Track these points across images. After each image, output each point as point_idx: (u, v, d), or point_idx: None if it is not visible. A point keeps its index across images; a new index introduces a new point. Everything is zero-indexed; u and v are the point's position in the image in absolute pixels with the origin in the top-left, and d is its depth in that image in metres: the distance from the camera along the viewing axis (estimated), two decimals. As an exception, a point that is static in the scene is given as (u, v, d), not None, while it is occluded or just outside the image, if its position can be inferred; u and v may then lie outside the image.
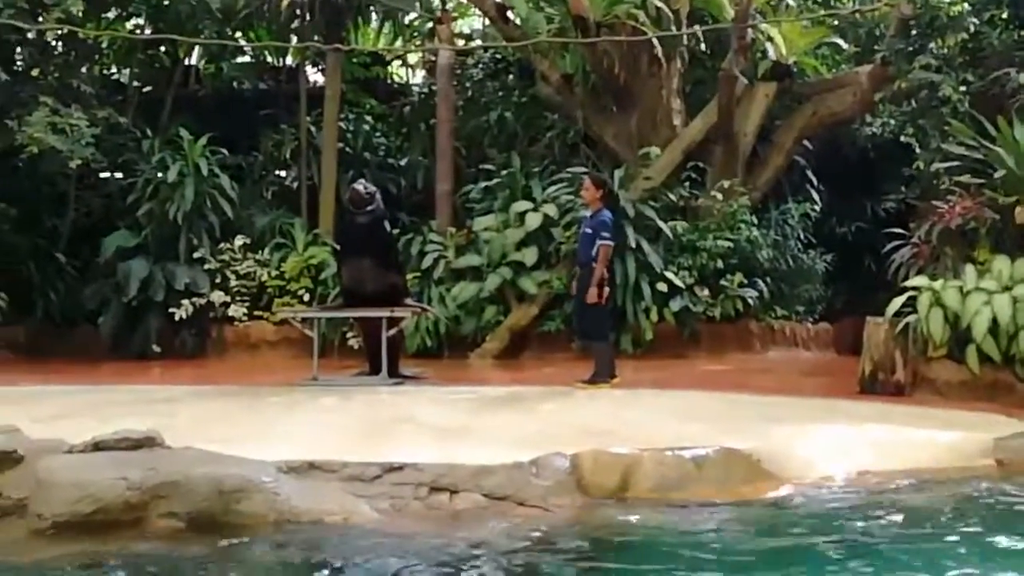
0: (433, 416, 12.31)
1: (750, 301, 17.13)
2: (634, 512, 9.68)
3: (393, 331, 15.26)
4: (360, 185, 15.46)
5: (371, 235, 15.18)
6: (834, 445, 11.09)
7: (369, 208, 15.14)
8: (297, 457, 10.19)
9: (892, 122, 17.98)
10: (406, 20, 21.66)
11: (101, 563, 8.65)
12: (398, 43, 21.96)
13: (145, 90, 19.22)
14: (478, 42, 20.97)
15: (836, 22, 19.69)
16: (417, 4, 21.07)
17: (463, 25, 21.33)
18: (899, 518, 9.58)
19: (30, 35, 17.20)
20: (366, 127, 20.85)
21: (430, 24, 20.88)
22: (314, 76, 20.72)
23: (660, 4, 17.83)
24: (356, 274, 15.34)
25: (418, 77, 22.29)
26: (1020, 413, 12.47)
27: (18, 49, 17.54)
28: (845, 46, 19.63)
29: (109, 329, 17.95)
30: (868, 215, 18.88)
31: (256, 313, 18.43)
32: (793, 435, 11.16)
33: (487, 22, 20.18)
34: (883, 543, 8.91)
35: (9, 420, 10.46)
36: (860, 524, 9.47)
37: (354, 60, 20.76)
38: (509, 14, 18.82)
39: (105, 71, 18.71)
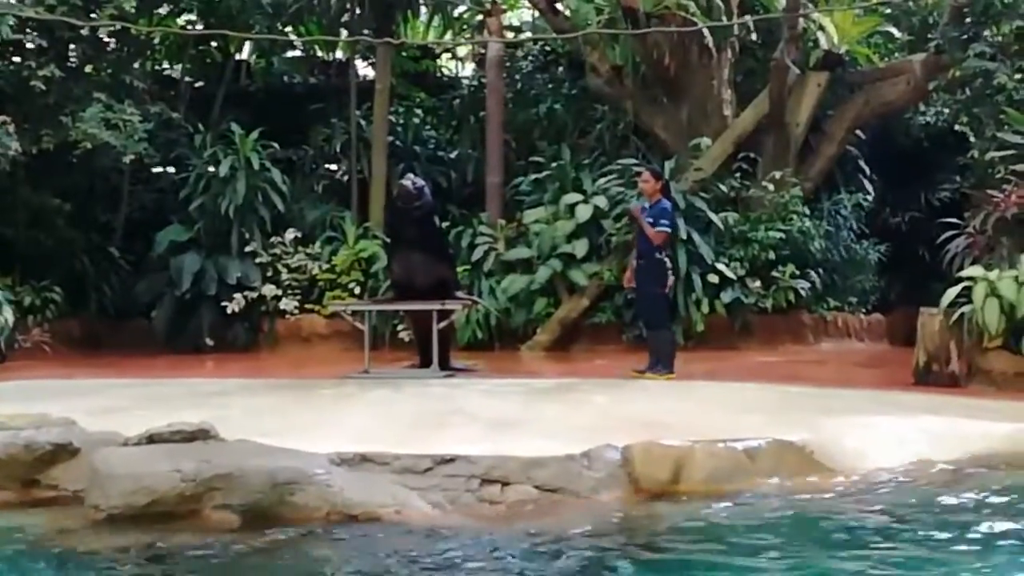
0: (484, 408, 12.32)
1: (802, 292, 17.06)
2: (686, 504, 9.67)
3: (444, 324, 15.29)
4: (408, 180, 15.48)
5: (421, 228, 15.21)
6: (888, 437, 11.02)
7: (418, 203, 15.18)
8: (349, 449, 10.23)
9: (946, 111, 17.86)
10: (455, 13, 21.67)
11: (156, 555, 8.72)
12: (447, 36, 21.98)
13: (197, 85, 19.33)
14: (528, 34, 20.96)
15: (888, 10, 19.53)
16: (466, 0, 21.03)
17: (512, 17, 21.32)
18: (952, 510, 9.53)
19: (83, 32, 17.29)
20: (416, 120, 20.90)
21: (479, 17, 20.88)
22: (364, 70, 20.78)
23: (710, -7, 17.80)
24: (406, 267, 15.37)
25: (468, 70, 22.30)
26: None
27: (72, 46, 17.65)
28: (898, 34, 19.50)
29: (162, 323, 18.07)
30: (922, 205, 18.75)
31: (307, 306, 18.51)
32: (846, 427, 11.09)
33: (536, 14, 20.18)
34: (936, 534, 8.87)
35: (65, 413, 10.55)
36: (913, 516, 9.42)
37: (404, 54, 20.80)
38: (559, 6, 18.82)
39: (157, 67, 18.84)
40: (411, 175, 16.05)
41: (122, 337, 17.54)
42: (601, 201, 17.34)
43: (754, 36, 18.69)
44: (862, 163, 19.57)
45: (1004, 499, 9.79)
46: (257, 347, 17.93)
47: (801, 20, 17.66)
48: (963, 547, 8.51)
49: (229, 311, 18.15)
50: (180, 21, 19.36)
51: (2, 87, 16.44)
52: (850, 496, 9.97)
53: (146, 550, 8.79)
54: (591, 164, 18.32)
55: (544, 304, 17.36)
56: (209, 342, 17.86)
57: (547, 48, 20.48)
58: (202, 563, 8.61)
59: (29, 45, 17.10)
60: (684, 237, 16.10)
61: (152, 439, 9.76)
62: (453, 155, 20.38)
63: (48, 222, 17.44)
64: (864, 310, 17.67)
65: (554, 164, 18.36)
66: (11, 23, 16.52)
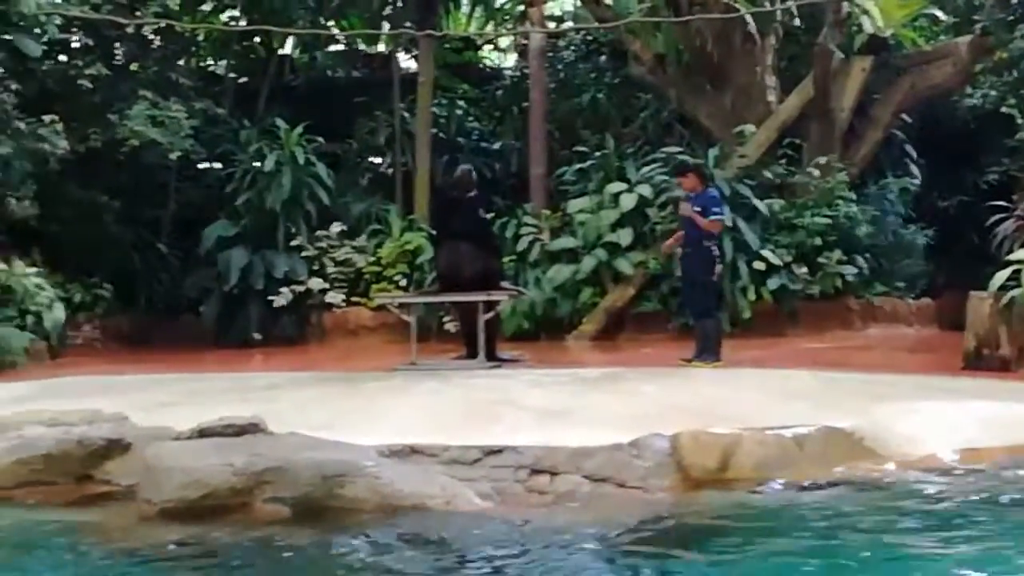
0: (531, 398, 12.34)
1: (849, 278, 17.01)
2: (736, 493, 9.67)
3: (490, 315, 15.32)
4: (468, 166, 15.65)
5: (468, 219, 15.27)
6: (938, 422, 10.98)
7: (469, 193, 15.27)
8: (398, 441, 10.28)
9: (993, 93, 17.77)
10: (497, 3, 21.67)
11: (209, 549, 8.79)
12: (489, 27, 21.99)
13: (241, 81, 19.44)
14: (569, 24, 20.96)
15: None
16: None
17: (554, 7, 21.34)
18: (1003, 495, 9.50)
19: (129, 30, 17.44)
20: (459, 112, 20.95)
21: (521, 7, 20.89)
22: (407, 63, 20.85)
23: (754, -20, 17.77)
24: (452, 258, 15.42)
25: (510, 61, 22.36)
26: None
27: (117, 44, 17.79)
28: (943, 17, 19.40)
29: (210, 318, 18.21)
30: (970, 188, 18.66)
31: (354, 299, 18.61)
32: (896, 413, 11.06)
33: (578, 3, 20.15)
34: (987, 519, 8.84)
35: (116, 408, 10.65)
36: (965, 501, 9.40)
37: (446, 46, 20.85)
38: (599, -2, 18.79)
39: (202, 63, 18.97)
40: (463, 166, 16.09)
41: (171, 332, 17.67)
42: (645, 190, 17.35)
43: (797, 21, 18.63)
44: (908, 147, 19.49)
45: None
46: (304, 340, 18.03)
47: (845, 4, 17.58)
48: (1002, 530, 8.51)
49: (276, 305, 18.26)
50: (223, 17, 19.41)
51: (50, 86, 16.57)
52: (902, 483, 9.94)
53: (199, 544, 8.87)
54: (635, 153, 18.33)
55: (590, 294, 17.39)
56: (257, 336, 17.98)
57: (589, 37, 20.47)
58: (255, 556, 8.68)
59: (75, 44, 17.26)
60: (730, 224, 16.07)
61: (203, 433, 9.84)
62: (497, 146, 20.43)
63: (97, 219, 17.58)
64: (912, 295, 17.61)
65: (598, 153, 18.38)
66: (58, 23, 16.66)
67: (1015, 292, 13.99)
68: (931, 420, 11.01)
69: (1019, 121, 16.87)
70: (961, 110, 18.87)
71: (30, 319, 15.60)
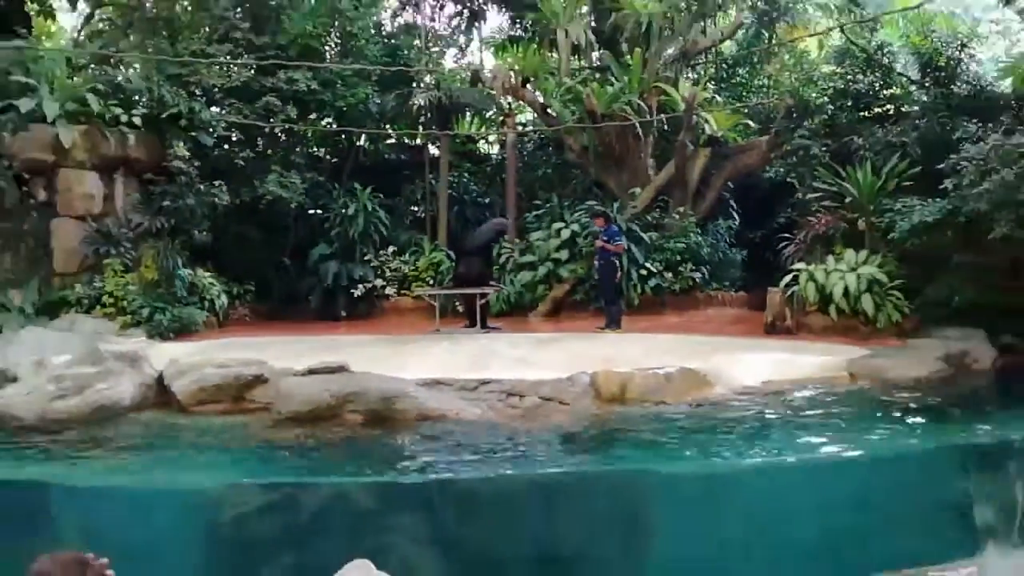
0: (507, 351, 12.38)
1: (696, 279, 17.00)
2: (629, 407, 9.73)
3: (483, 301, 15.35)
4: (504, 220, 16.16)
5: (478, 246, 15.60)
6: (749, 365, 11.04)
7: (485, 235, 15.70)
8: (428, 376, 10.31)
9: (781, 170, 17.80)
10: (487, 115, 21.63)
11: (315, 440, 8.80)
12: (483, 129, 21.95)
13: (333, 160, 19.33)
14: (530, 127, 20.90)
15: (746, 110, 19.51)
16: (494, 107, 21.06)
17: (521, 117, 21.29)
18: (786, 405, 9.62)
19: (266, 130, 17.41)
20: (464, 180, 20.88)
21: (502, 117, 20.87)
22: (433, 150, 20.74)
23: (640, 102, 17.77)
24: (466, 268, 15.60)
25: (495, 149, 22.26)
26: (863, 345, 12.38)
27: (259, 138, 17.73)
28: (753, 125, 19.44)
29: (315, 303, 18.09)
30: (768, 227, 18.66)
31: (401, 292, 18.54)
32: (724, 359, 11.11)
33: (535, 116, 20.14)
34: (775, 420, 8.95)
35: (258, 357, 10.64)
36: (765, 410, 9.50)
37: (456, 140, 20.76)
38: (548, 110, 18.80)
39: (309, 150, 18.84)
40: (499, 218, 16.40)
41: (290, 313, 17.54)
42: (576, 227, 17.30)
43: (666, 126, 18.62)
44: (731, 202, 19.51)
45: (809, 397, 9.88)
46: (371, 317, 17.91)
47: (695, 117, 17.61)
48: (786, 422, 8.61)
49: (355, 295, 18.17)
50: (324, 122, 19.34)
51: (218, 163, 16.54)
52: (728, 400, 10.03)
53: (309, 437, 8.88)
54: (569, 205, 18.26)
55: (542, 289, 17.31)
56: (343, 314, 17.86)
57: (542, 136, 20.43)
58: (342, 443, 8.71)
59: (233, 138, 17.20)
60: (626, 248, 16.05)
61: (311, 371, 9.84)
62: (487, 201, 20.35)
63: (247, 244, 17.52)
64: (734, 290, 17.59)
65: (547, 205, 18.34)
66: (223, 125, 16.63)
67: (794, 288, 14.09)
68: (744, 364, 11.07)
69: (797, 187, 16.94)
70: (763, 180, 18.86)
71: (206, 303, 15.55)
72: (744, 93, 20.85)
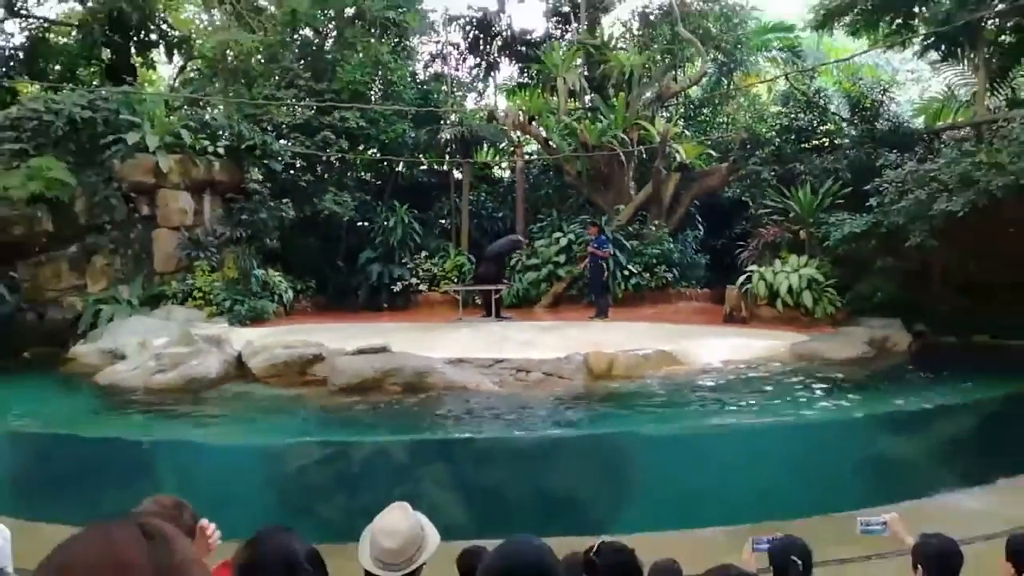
0: (517, 335, 12.37)
1: (669, 279, 16.87)
2: (615, 381, 9.71)
3: (498, 295, 15.32)
4: (519, 237, 16.39)
5: (495, 253, 15.51)
6: (711, 347, 11.02)
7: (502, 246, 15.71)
8: (452, 355, 10.31)
9: (738, 190, 17.68)
10: (500, 146, 21.56)
11: (363, 406, 8.82)
12: (497, 158, 21.88)
13: (377, 183, 19.27)
14: (535, 156, 20.83)
15: (709, 142, 19.40)
16: (506, 139, 20.97)
17: (528, 148, 21.19)
18: (742, 380, 9.56)
19: (323, 158, 17.41)
20: (482, 198, 20.81)
21: (512, 148, 20.82)
22: (457, 174, 20.67)
23: (623, 136, 17.70)
24: (484, 269, 15.60)
25: (507, 173, 22.17)
26: (803, 332, 12.34)
27: (317, 166, 17.73)
28: (715, 153, 19.31)
29: (362, 297, 18.00)
30: (727, 236, 18.53)
31: (432, 288, 18.47)
32: (691, 343, 11.10)
33: (539, 146, 20.09)
34: (732, 391, 8.91)
35: (317, 339, 10.66)
36: (722, 383, 9.47)
37: (476, 166, 20.70)
38: (550, 142, 18.73)
39: (358, 174, 18.75)
40: (515, 236, 16.57)
41: (343, 304, 17.48)
42: (572, 236, 17.20)
43: (644, 155, 18.51)
44: (698, 216, 19.39)
45: (759, 375, 9.83)
46: (407, 308, 17.84)
47: (667, 147, 17.53)
48: (740, 393, 8.57)
49: (394, 291, 18.11)
50: (370, 152, 19.30)
51: (285, 185, 16.54)
52: (694, 374, 9.99)
53: (359, 404, 8.90)
54: (567, 219, 18.16)
55: (545, 286, 17.26)
56: (385, 306, 17.84)
57: (544, 163, 20.35)
58: (386, 407, 8.71)
59: (297, 165, 17.20)
60: (612, 252, 16.00)
61: (359, 351, 9.86)
62: (500, 215, 20.27)
63: (308, 249, 17.49)
64: (699, 287, 17.47)
65: (549, 218, 18.26)
66: (289, 155, 16.66)
67: (748, 285, 14.01)
68: (707, 346, 11.05)
69: (750, 204, 16.86)
70: (723, 198, 18.72)
71: (276, 297, 15.55)
72: (708, 128, 20.72)
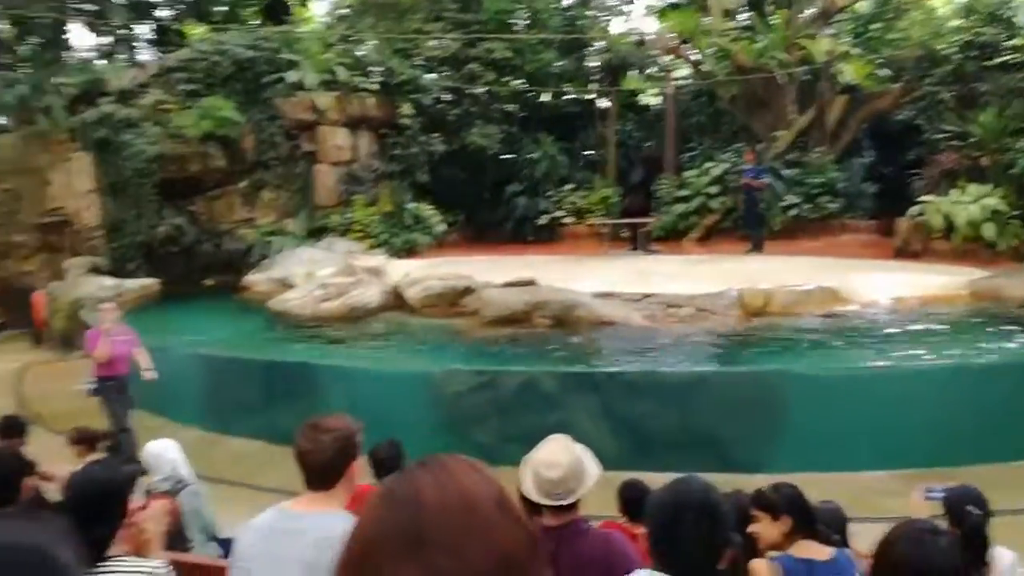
0: (666, 269, 12.22)
1: (833, 209, 16.02)
2: (771, 318, 9.47)
3: (646, 228, 15.15)
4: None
5: (637, 184, 15.30)
6: (879, 283, 10.47)
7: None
8: (601, 289, 10.36)
9: (912, 113, 16.39)
10: (649, 72, 20.92)
11: (512, 337, 9.08)
12: (646, 84, 21.29)
13: (522, 114, 19.25)
14: (687, 81, 20.12)
15: (879, 61, 17.99)
16: (655, 64, 20.32)
17: (678, 72, 20.44)
18: (914, 319, 9.08)
19: (468, 91, 17.58)
20: (628, 127, 20.42)
21: (662, 73, 20.18)
22: (603, 103, 20.30)
23: (783, 56, 16.72)
24: (631, 201, 15.39)
25: (656, 100, 21.57)
26: (985, 267, 11.46)
27: (464, 99, 17.90)
28: (886, 73, 17.88)
29: (509, 230, 18.24)
30: (898, 163, 17.28)
31: (577, 221, 18.45)
32: (857, 278, 10.57)
33: (691, 70, 19.35)
34: (904, 331, 8.49)
35: (467, 271, 10.98)
36: (893, 321, 9.04)
37: (623, 94, 20.26)
38: (702, 66, 18.01)
39: (503, 106, 18.74)
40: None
41: (490, 237, 17.83)
42: (725, 165, 16.63)
43: (806, 77, 17.46)
44: (865, 141, 18.16)
45: (933, 313, 9.28)
46: (553, 241, 17.97)
47: (832, 67, 16.44)
48: (909, 333, 8.15)
49: (539, 224, 18.23)
50: (516, 83, 19.26)
51: (434, 119, 16.90)
52: (860, 314, 9.59)
53: (507, 336, 9.17)
54: (719, 147, 17.55)
55: (696, 218, 16.86)
56: (530, 238, 18.03)
57: (697, 88, 19.62)
58: (533, 340, 8.94)
59: (445, 98, 17.49)
60: (769, 183, 15.34)
61: (508, 284, 10.08)
62: (648, 144, 19.84)
63: (456, 183, 17.86)
64: (866, 218, 16.49)
65: (700, 147, 17.71)
66: (438, 88, 16.95)
67: (922, 217, 13.12)
68: (875, 282, 10.50)
69: (924, 128, 15.62)
70: (894, 122, 17.44)
71: (428, 230, 16.10)
72: (878, 46, 19.19)
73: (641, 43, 20.05)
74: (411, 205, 15.98)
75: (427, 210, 16.27)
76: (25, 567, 1.07)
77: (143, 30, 20.02)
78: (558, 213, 18.44)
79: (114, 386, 7.37)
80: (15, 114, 15.46)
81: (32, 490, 3.20)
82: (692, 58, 18.36)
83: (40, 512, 1.20)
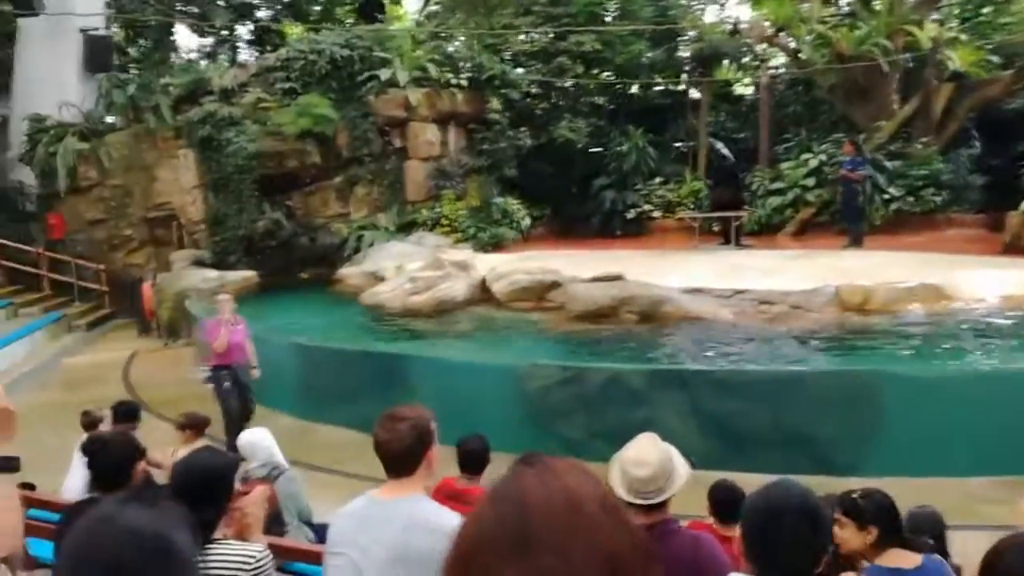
0: (759, 264, 11.94)
1: (937, 202, 15.32)
2: (871, 316, 9.15)
3: (738, 223, 14.84)
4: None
5: (729, 178, 14.99)
6: (987, 280, 9.96)
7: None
8: (690, 284, 10.23)
9: (1022, 102, 15.50)
10: (743, 61, 20.44)
11: (598, 333, 9.07)
12: (739, 74, 20.81)
13: (611, 107, 19.11)
14: (783, 71, 19.56)
15: (990, 47, 17.05)
16: (750, 54, 19.83)
17: (774, 61, 19.89)
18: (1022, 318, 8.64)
19: (557, 84, 17.58)
20: (721, 118, 20.00)
21: (757, 63, 19.67)
22: (694, 93, 19.96)
23: (886, 43, 16.05)
24: (720, 195, 15.06)
25: (750, 90, 21.05)
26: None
27: (552, 92, 17.92)
28: (997, 60, 16.95)
29: (596, 224, 18.09)
30: (1009, 154, 16.36)
31: (666, 215, 18.19)
32: (963, 274, 10.09)
33: (787, 59, 18.80)
34: (1012, 331, 8.07)
35: (553, 266, 10.97)
36: (999, 320, 8.61)
37: (716, 84, 19.86)
38: (799, 54, 17.46)
39: (591, 99, 18.57)
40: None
41: (577, 231, 17.73)
42: (823, 157, 16.09)
43: (911, 64, 16.72)
44: (973, 131, 17.27)
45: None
46: (641, 235, 17.75)
47: (938, 54, 15.69)
48: (1020, 335, 7.75)
49: (628, 217, 18.03)
50: (604, 75, 19.15)
51: (522, 113, 16.96)
52: (965, 312, 9.16)
53: (592, 329, 9.17)
54: (817, 137, 17.00)
55: (791, 212, 16.39)
56: (618, 232, 17.85)
57: (793, 77, 19.06)
58: (618, 336, 8.90)
59: (533, 90, 17.54)
60: (869, 175, 14.77)
61: (595, 279, 10.07)
62: (742, 135, 19.39)
63: (544, 177, 17.84)
64: (973, 212, 15.71)
65: (796, 138, 17.20)
66: (526, 83, 17.00)
67: (1034, 211, 12.44)
68: (983, 278, 9.99)
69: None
70: (1004, 111, 16.51)
71: (514, 224, 16.18)
72: (988, 31, 18.20)
73: (735, 32, 19.56)
74: (498, 199, 16.10)
75: (514, 204, 16.37)
76: (148, 552, 1.15)
77: (243, 31, 20.83)
78: (646, 207, 18.24)
79: (228, 374, 7.70)
80: (125, 113, 16.39)
81: (142, 474, 3.41)
82: (789, 46, 17.83)
83: (159, 498, 1.26)
